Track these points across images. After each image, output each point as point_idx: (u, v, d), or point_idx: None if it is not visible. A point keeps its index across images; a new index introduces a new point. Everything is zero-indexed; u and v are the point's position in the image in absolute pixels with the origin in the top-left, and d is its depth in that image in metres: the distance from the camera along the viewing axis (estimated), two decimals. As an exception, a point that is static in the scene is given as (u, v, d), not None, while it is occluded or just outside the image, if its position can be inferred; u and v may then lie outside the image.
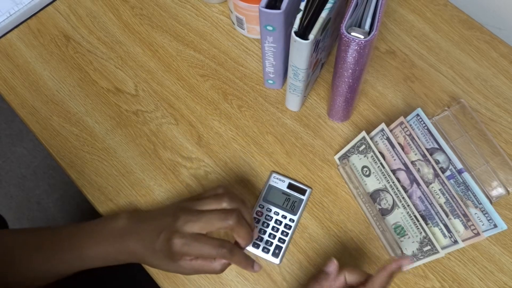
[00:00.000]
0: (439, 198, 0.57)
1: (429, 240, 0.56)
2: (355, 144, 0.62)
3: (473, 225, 0.54)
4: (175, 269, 0.53)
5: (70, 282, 0.61)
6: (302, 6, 0.53)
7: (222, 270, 0.53)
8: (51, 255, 0.55)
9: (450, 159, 0.57)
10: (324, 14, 0.53)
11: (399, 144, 0.59)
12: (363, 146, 0.61)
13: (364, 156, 0.62)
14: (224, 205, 0.53)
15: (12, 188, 1.43)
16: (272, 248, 0.61)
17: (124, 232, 0.55)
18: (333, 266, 0.51)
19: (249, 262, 0.53)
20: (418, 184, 0.57)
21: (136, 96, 0.70)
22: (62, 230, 0.57)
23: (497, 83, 0.70)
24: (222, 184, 0.64)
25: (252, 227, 0.54)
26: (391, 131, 0.60)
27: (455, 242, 0.55)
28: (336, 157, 0.65)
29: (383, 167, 0.59)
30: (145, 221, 0.55)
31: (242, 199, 0.55)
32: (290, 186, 0.63)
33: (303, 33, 0.53)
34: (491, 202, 0.59)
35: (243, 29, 0.71)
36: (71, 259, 0.55)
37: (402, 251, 0.59)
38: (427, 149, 0.58)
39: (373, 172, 0.61)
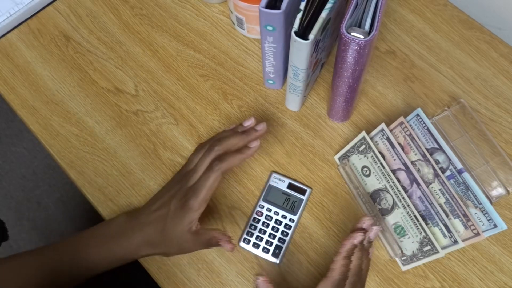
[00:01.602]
0: (439, 198, 0.57)
1: (429, 240, 0.56)
2: (355, 144, 0.62)
3: (473, 225, 0.54)
4: (188, 239, 0.54)
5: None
6: (302, 6, 0.53)
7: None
8: (51, 273, 0.55)
9: (450, 159, 0.57)
10: (324, 14, 0.53)
11: (399, 144, 0.59)
12: (363, 146, 0.61)
13: (364, 156, 0.62)
14: (206, 147, 0.56)
15: (12, 188, 1.43)
16: (272, 248, 0.61)
17: (128, 227, 0.55)
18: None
19: (243, 152, 0.55)
20: (418, 184, 0.57)
21: (136, 96, 0.70)
22: (62, 245, 0.56)
23: (497, 83, 0.70)
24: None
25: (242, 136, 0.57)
26: (391, 131, 0.60)
27: (455, 242, 0.55)
28: (336, 157, 0.65)
29: (383, 167, 0.59)
30: (148, 209, 0.56)
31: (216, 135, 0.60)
32: (290, 186, 0.63)
33: (303, 33, 0.53)
34: (491, 202, 0.59)
35: (243, 29, 0.71)
36: (78, 272, 0.55)
37: (402, 251, 0.59)
38: (427, 149, 0.58)
39: (373, 172, 0.61)
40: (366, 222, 0.53)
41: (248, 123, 0.59)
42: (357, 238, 0.51)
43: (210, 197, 0.53)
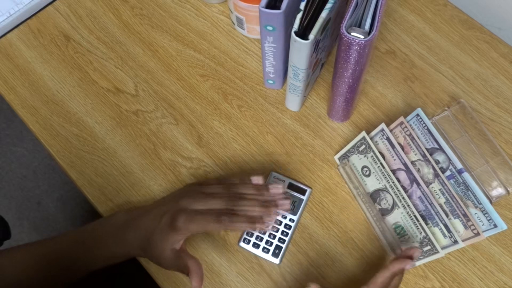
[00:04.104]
0: (439, 198, 0.57)
1: (429, 240, 0.56)
2: (355, 144, 0.62)
3: (473, 225, 0.54)
4: (167, 257, 0.53)
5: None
6: (302, 6, 0.53)
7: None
8: (48, 266, 0.55)
9: (450, 159, 0.57)
10: (324, 14, 0.53)
11: (399, 144, 0.59)
12: (363, 146, 0.61)
13: (364, 156, 0.62)
14: (230, 191, 0.55)
15: (12, 188, 1.43)
16: (272, 248, 0.61)
17: (124, 225, 0.55)
18: None
19: (254, 224, 0.53)
20: (418, 184, 0.57)
21: (136, 96, 0.70)
22: (63, 238, 0.56)
23: (497, 83, 0.70)
24: (229, 177, 0.65)
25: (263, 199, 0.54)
26: (391, 131, 0.60)
27: (455, 242, 0.55)
28: (336, 157, 0.65)
29: (383, 167, 0.59)
30: (146, 213, 0.55)
31: (246, 180, 0.56)
32: (290, 186, 0.63)
33: (303, 33, 0.53)
34: (491, 202, 0.59)
35: (243, 29, 0.71)
36: (75, 267, 0.55)
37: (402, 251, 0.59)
38: (427, 149, 0.58)
39: (373, 172, 0.61)
40: (416, 252, 0.55)
41: (274, 190, 0.55)
42: (408, 265, 0.53)
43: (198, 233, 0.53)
